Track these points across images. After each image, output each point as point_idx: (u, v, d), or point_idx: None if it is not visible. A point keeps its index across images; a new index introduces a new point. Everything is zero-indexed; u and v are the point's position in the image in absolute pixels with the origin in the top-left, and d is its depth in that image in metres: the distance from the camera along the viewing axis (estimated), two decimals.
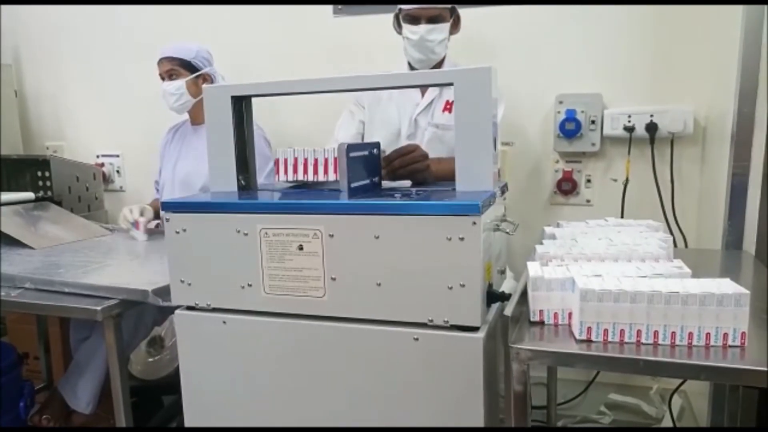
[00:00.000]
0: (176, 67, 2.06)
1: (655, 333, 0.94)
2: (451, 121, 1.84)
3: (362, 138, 1.95)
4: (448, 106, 1.86)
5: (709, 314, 0.92)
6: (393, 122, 1.91)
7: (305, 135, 2.31)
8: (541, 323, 1.05)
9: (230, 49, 2.28)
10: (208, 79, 2.10)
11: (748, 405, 1.63)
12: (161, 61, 2.08)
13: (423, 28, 1.78)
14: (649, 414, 2.01)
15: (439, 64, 1.85)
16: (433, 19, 1.78)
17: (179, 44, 2.09)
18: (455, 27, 1.87)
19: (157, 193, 2.30)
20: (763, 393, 1.60)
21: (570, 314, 1.03)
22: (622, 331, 0.95)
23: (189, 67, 2.07)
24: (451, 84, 1.18)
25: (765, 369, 0.87)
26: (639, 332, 0.95)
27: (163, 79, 2.09)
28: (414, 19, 1.80)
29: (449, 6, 1.81)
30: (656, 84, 1.92)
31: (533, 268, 1.09)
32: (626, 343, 0.95)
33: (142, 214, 1.95)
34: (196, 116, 2.17)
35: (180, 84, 2.06)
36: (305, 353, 1.18)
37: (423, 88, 1.89)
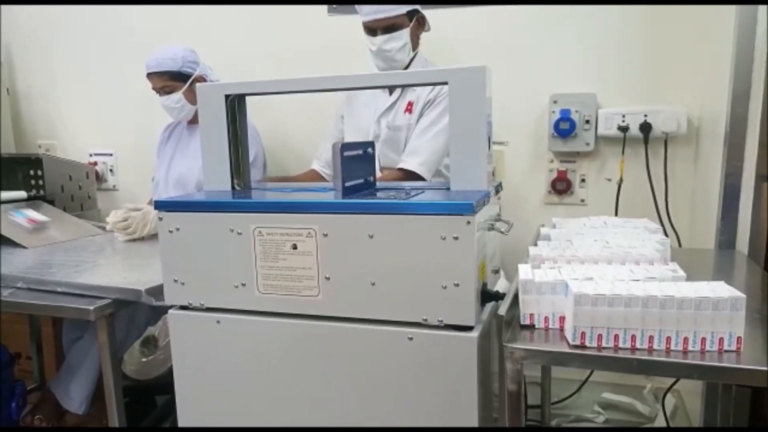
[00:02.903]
0: (168, 81, 2.01)
1: (650, 338, 0.92)
2: (410, 122, 1.84)
3: None
4: (409, 107, 1.84)
5: (705, 318, 0.90)
6: (364, 126, 1.91)
7: (300, 134, 2.31)
8: (532, 326, 1.04)
9: (225, 47, 2.27)
10: (200, 79, 2.05)
11: (740, 404, 1.64)
12: (150, 76, 2.02)
13: (380, 39, 1.78)
14: (643, 413, 2.01)
15: (406, 67, 1.85)
16: (388, 29, 1.77)
17: (161, 55, 2.01)
18: (420, 27, 1.85)
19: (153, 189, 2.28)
20: (755, 392, 1.61)
21: (561, 318, 1.02)
22: (616, 336, 0.93)
23: (180, 76, 2.02)
24: (443, 83, 1.18)
25: (757, 368, 0.87)
26: (633, 337, 0.93)
27: (159, 93, 2.05)
28: (371, 31, 1.79)
29: (404, 12, 1.78)
30: (650, 84, 1.93)
31: (523, 271, 1.08)
32: (621, 348, 0.93)
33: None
34: (193, 116, 2.14)
35: (178, 97, 2.03)
36: (299, 353, 1.18)
37: (391, 89, 1.88)
